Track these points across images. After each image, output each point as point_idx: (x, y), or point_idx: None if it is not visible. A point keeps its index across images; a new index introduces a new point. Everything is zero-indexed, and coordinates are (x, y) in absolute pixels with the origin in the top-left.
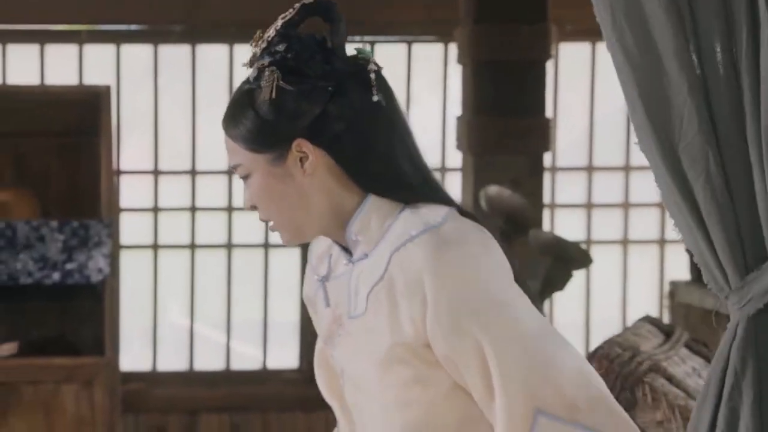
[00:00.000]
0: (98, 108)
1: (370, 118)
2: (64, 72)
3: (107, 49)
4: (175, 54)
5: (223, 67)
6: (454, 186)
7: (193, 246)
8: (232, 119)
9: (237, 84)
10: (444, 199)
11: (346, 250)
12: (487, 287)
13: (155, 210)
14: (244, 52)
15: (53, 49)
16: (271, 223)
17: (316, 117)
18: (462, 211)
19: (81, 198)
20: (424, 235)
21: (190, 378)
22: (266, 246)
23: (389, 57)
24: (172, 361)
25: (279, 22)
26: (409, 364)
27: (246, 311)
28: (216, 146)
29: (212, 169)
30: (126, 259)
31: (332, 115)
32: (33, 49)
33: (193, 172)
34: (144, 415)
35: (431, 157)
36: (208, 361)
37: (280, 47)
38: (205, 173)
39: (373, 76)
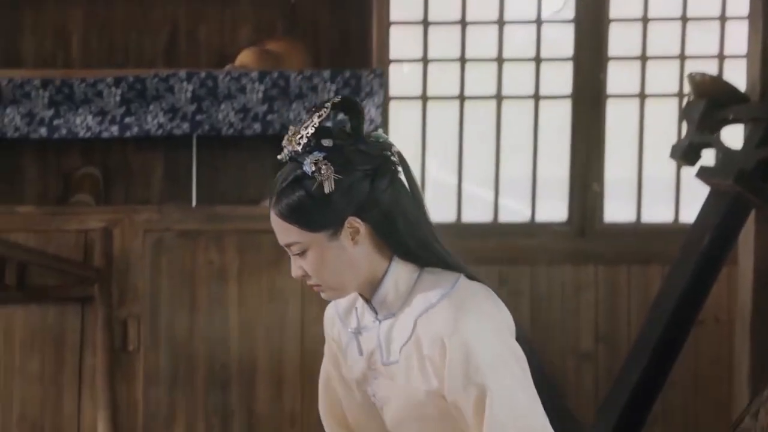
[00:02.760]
0: None
1: (401, 193)
2: None
3: None
4: None
5: None
6: None
7: (462, 97)
8: (289, 207)
9: None
10: (454, 265)
11: (371, 306)
12: (492, 345)
13: (424, 61)
14: None
15: None
16: (315, 283)
17: (365, 196)
18: (469, 276)
19: (351, 49)
20: (443, 301)
21: (459, 230)
22: (536, 97)
23: None
24: (440, 213)
25: (315, 120)
26: (440, 404)
27: (514, 168)
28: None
29: (482, 20)
30: (394, 110)
31: (377, 193)
32: None
33: (463, 23)
34: None
35: None
36: (476, 214)
37: (326, 142)
38: (476, 23)
39: (396, 157)
